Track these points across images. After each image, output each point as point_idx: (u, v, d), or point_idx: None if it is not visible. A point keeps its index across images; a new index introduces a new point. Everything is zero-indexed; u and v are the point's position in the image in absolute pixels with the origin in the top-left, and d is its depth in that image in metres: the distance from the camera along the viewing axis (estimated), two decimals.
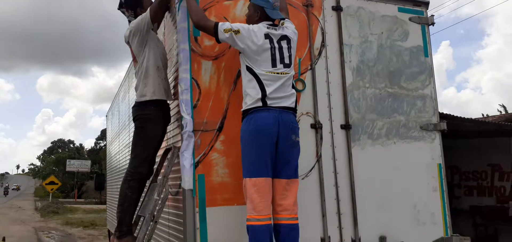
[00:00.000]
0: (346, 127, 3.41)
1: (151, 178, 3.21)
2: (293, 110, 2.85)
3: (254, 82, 2.74)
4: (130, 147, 6.03)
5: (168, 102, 3.22)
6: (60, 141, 73.91)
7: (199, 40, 3.05)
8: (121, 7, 3.22)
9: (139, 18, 3.07)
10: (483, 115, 15.06)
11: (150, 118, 3.05)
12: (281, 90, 2.77)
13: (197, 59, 3.02)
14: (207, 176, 2.95)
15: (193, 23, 2.92)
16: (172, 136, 3.35)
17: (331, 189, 3.31)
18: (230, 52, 3.08)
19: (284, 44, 2.84)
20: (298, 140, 2.84)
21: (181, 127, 3.00)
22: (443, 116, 5.97)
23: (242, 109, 2.83)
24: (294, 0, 3.41)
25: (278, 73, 2.78)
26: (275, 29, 2.86)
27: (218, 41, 2.86)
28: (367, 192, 3.41)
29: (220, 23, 2.82)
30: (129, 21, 3.24)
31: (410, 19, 3.82)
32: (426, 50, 3.83)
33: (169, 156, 3.18)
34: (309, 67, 3.37)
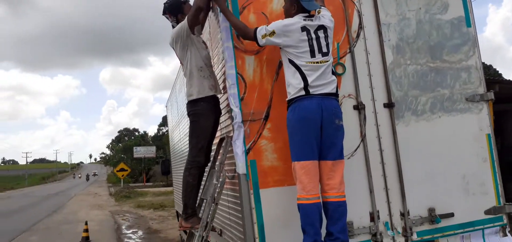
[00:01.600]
0: (389, 105, 3.51)
1: (209, 165, 3.58)
2: (335, 95, 3.05)
3: (297, 73, 2.97)
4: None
5: (217, 95, 3.54)
6: (126, 130, 78.46)
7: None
8: (164, 13, 3.60)
9: (179, 26, 3.41)
10: None
11: (201, 113, 3.41)
12: (322, 77, 2.98)
13: (241, 55, 3.29)
14: (258, 161, 3.24)
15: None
16: (225, 127, 3.68)
17: (377, 166, 3.45)
18: (269, 46, 3.31)
19: (321, 33, 3.02)
20: (342, 123, 3.05)
21: (231, 118, 3.31)
22: (497, 81, 5.73)
23: (287, 99, 3.08)
24: None
25: (317, 62, 2.98)
26: (311, 20, 3.03)
27: (259, 46, 3.12)
28: (414, 167, 3.50)
29: (257, 30, 3.06)
30: (173, 26, 3.59)
31: None
32: (468, 20, 3.77)
33: (223, 144, 3.52)
34: (348, 51, 3.50)
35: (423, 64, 3.64)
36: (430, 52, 3.66)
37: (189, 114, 3.50)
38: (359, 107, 3.45)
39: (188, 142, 3.55)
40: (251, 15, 3.35)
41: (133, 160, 48.91)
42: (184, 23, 3.37)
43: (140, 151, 46.03)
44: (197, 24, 3.48)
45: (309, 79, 2.95)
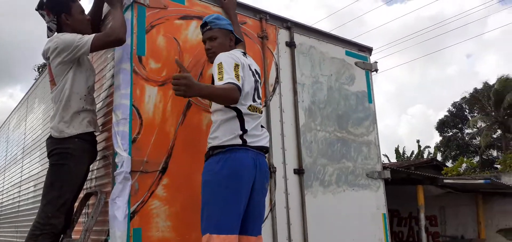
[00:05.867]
0: (299, 171, 3.12)
1: (67, 232, 2.47)
2: (266, 151, 2.39)
3: (235, 119, 2.23)
4: (21, 186, 4.95)
5: (95, 133, 2.57)
6: None
7: (144, 60, 2.51)
8: (41, 8, 2.51)
9: (74, 38, 2.33)
10: None
11: (71, 153, 2.35)
12: (258, 128, 2.32)
13: (140, 82, 2.47)
14: (145, 230, 2.35)
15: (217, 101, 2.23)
16: (95, 177, 2.69)
17: None
18: None
19: (256, 76, 2.43)
20: (267, 189, 2.40)
21: (112, 166, 2.39)
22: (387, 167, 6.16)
23: (211, 145, 2.26)
24: (250, 30, 3.09)
25: (257, 109, 2.33)
26: (246, 58, 2.41)
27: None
28: None
29: (227, 78, 2.11)
30: (49, 28, 2.54)
31: (355, 63, 3.78)
32: (369, 96, 3.80)
33: (92, 203, 2.51)
34: (264, 104, 3.04)
35: (331, 132, 3.42)
36: (337, 121, 3.48)
37: (51, 153, 2.38)
38: (271, 170, 2.94)
39: (42, 195, 2.38)
40: (160, 37, 2.60)
41: None
42: (86, 41, 2.33)
43: None
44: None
45: (248, 127, 2.23)
